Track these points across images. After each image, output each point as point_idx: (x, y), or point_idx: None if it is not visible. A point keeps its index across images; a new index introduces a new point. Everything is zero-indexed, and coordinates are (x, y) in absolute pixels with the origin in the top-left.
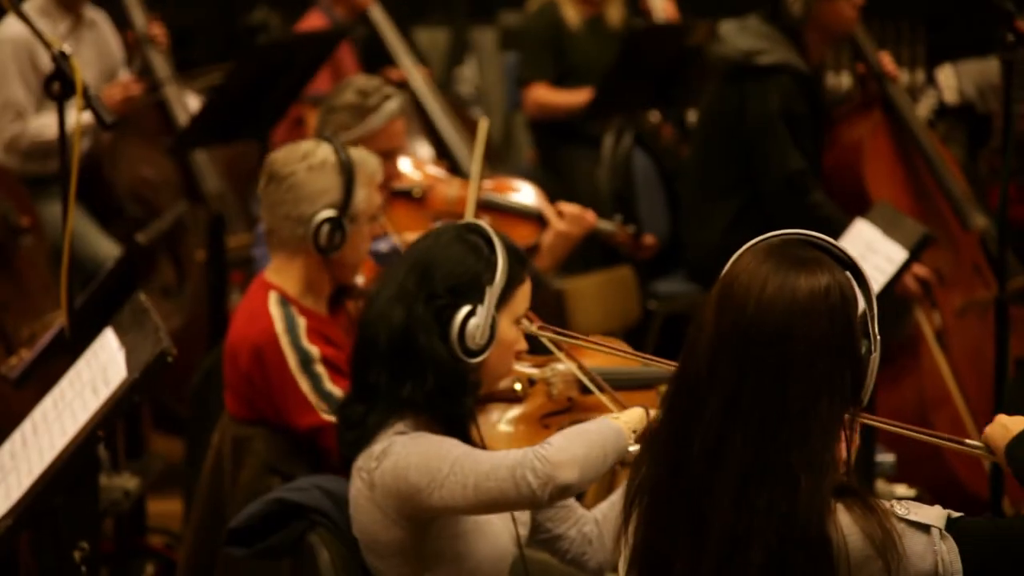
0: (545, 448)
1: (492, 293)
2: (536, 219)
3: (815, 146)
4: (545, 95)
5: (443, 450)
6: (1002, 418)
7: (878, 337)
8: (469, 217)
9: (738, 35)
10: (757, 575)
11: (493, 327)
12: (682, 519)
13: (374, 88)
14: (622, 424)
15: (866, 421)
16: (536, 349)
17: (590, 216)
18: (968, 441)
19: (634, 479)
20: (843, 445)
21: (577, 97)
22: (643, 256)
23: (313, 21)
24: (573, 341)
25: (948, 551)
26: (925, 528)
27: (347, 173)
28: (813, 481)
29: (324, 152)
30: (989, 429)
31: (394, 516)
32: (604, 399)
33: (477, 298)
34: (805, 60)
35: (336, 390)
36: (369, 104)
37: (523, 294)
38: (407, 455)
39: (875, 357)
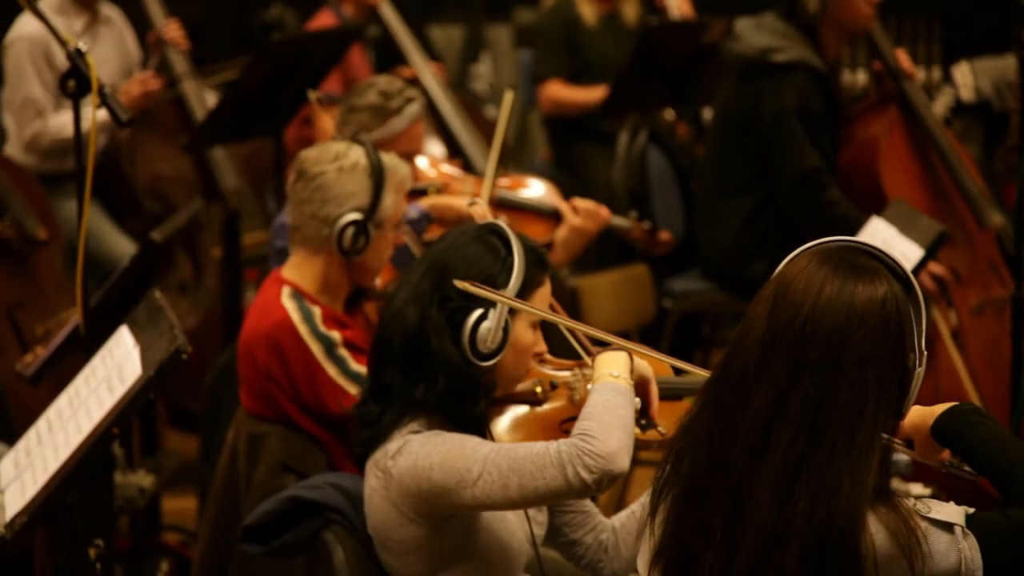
0: (588, 441)
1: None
2: (551, 216)
3: (831, 144)
4: (560, 92)
5: (467, 448)
6: (917, 408)
7: (925, 353)
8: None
9: (754, 33)
10: (790, 574)
11: (506, 331)
12: (717, 515)
13: (397, 90)
14: (623, 382)
15: None
16: (557, 352)
17: (605, 212)
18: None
19: (662, 473)
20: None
21: (592, 94)
22: (659, 252)
23: (323, 20)
24: (609, 338)
25: (970, 548)
26: (948, 527)
27: (377, 178)
28: (855, 488)
29: (356, 155)
30: (907, 419)
31: (411, 514)
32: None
33: (490, 302)
34: (821, 58)
35: (362, 369)
36: (392, 106)
37: (541, 296)
38: (427, 455)
39: (920, 372)
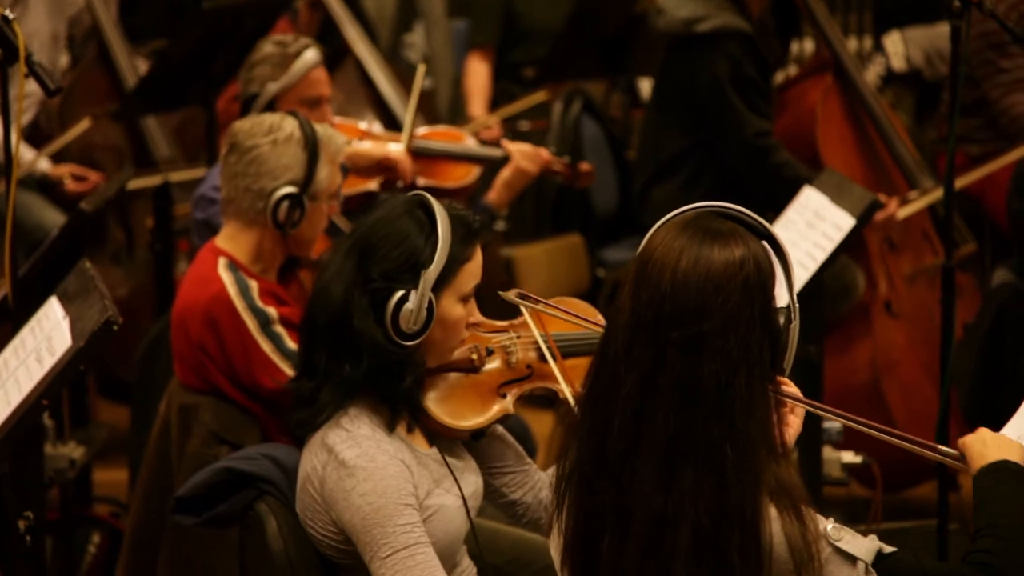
0: None
1: (427, 278)
2: (477, 160)
3: (768, 105)
4: (472, 69)
5: (392, 525)
6: (983, 433)
7: (797, 305)
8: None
9: (677, 4)
10: (685, 557)
11: (431, 310)
12: (608, 503)
13: (291, 39)
14: None
15: (846, 421)
16: (493, 314)
17: (544, 153)
18: (943, 448)
19: (563, 466)
20: (779, 425)
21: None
22: (582, 184)
23: None
24: (551, 312)
25: None
26: (852, 560)
27: (311, 150)
28: (741, 456)
29: (290, 127)
30: (969, 439)
31: (334, 518)
32: (557, 370)
33: (412, 282)
34: (747, 18)
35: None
36: (290, 52)
37: (469, 272)
38: (364, 493)
39: (795, 326)
